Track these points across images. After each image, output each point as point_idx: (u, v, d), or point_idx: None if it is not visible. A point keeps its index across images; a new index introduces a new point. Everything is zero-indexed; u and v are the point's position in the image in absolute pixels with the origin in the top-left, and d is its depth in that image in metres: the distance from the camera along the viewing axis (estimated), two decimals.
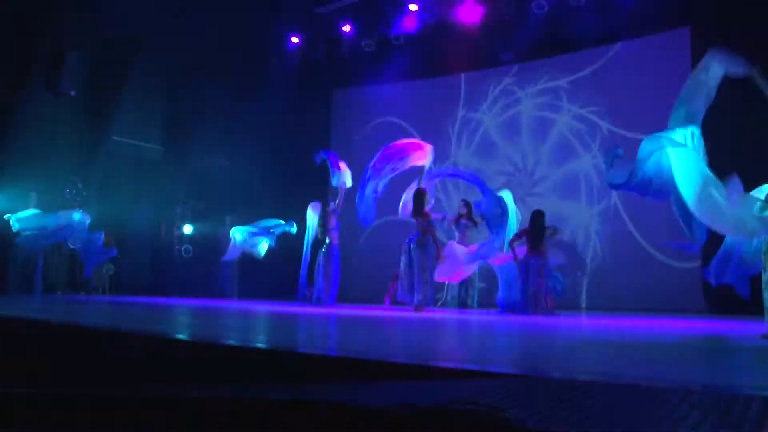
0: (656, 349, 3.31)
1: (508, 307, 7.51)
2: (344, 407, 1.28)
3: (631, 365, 2.55)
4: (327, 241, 8.34)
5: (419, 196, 7.71)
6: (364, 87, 12.20)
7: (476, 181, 8.06)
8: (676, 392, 1.58)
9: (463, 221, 8.44)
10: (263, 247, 10.16)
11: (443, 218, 8.58)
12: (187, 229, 12.62)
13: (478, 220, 8.22)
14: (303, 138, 12.39)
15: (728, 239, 4.89)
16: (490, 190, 7.76)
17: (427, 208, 7.67)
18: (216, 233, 11.67)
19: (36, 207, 9.25)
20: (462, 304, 8.33)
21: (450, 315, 6.86)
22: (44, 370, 3.17)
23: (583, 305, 9.11)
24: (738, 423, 1.25)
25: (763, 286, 3.69)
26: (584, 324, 5.64)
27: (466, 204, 8.51)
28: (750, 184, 4.27)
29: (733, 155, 7.61)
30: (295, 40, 11.76)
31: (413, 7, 10.47)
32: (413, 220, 7.82)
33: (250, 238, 10.10)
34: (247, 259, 10.98)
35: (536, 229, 7.45)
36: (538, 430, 1.12)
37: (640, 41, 9.63)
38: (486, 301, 9.12)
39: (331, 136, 12.81)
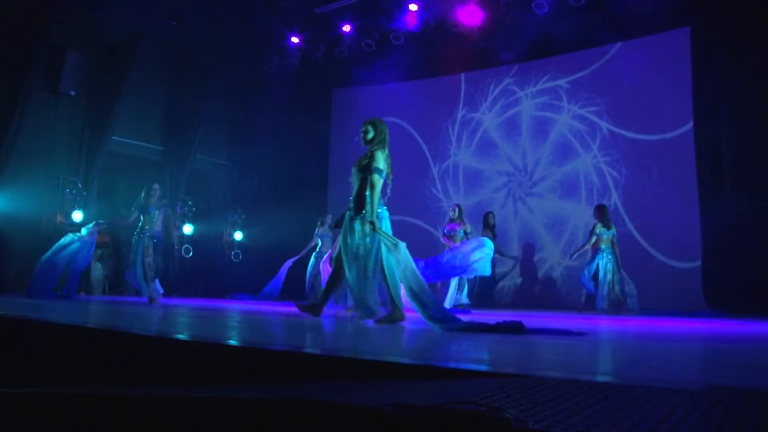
0: (656, 349, 3.31)
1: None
2: (344, 407, 1.27)
3: (630, 365, 2.55)
4: None
5: None
6: (364, 87, 12.20)
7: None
8: (676, 392, 1.58)
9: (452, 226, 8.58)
10: None
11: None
12: (187, 229, 12.62)
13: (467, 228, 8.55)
14: (303, 138, 12.39)
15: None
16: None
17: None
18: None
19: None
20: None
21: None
22: (44, 370, 3.17)
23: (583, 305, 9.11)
24: (739, 423, 1.25)
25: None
26: (584, 324, 5.64)
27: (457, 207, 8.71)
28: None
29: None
30: (295, 40, 11.75)
31: (413, 7, 10.46)
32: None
33: None
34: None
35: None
36: (538, 430, 1.12)
37: (640, 41, 9.64)
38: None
39: (331, 136, 12.81)
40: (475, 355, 2.78)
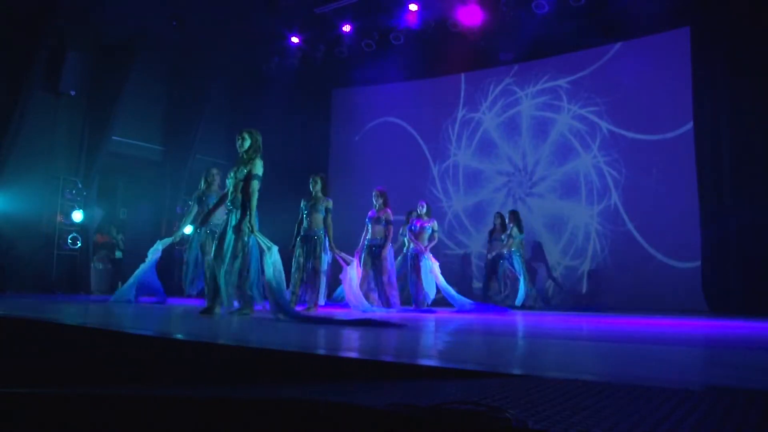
0: (656, 349, 3.31)
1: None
2: (344, 407, 1.27)
3: (631, 365, 2.55)
4: None
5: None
6: (364, 87, 12.20)
7: None
8: (676, 392, 1.58)
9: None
10: None
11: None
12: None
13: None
14: (303, 138, 12.38)
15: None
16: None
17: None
18: None
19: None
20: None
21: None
22: (44, 370, 3.17)
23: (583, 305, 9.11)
24: (739, 423, 1.25)
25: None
26: (584, 324, 5.64)
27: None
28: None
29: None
30: (295, 40, 11.75)
31: (413, 6, 10.46)
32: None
33: None
34: None
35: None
36: (538, 430, 1.12)
37: (640, 41, 9.63)
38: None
39: (331, 136, 12.81)
40: (475, 356, 2.79)
